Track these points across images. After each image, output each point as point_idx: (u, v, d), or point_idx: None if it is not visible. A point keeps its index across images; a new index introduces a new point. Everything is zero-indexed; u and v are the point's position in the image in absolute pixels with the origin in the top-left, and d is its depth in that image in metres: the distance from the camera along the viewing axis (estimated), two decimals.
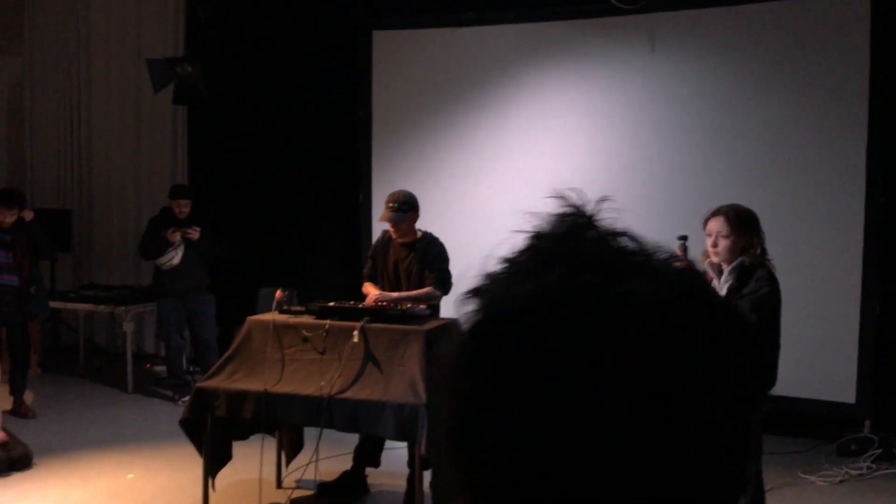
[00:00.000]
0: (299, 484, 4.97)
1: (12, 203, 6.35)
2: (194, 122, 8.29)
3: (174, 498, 4.78)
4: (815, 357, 5.76)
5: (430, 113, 7.13)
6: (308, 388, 4.06)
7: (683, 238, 3.63)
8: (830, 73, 5.90)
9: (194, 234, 6.85)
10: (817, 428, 5.85)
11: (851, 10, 5.86)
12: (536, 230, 0.56)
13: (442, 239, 4.80)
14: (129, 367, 7.35)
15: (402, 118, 7.24)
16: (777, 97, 6.06)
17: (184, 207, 6.93)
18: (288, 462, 5.00)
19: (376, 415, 3.92)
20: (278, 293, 4.60)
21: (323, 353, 4.17)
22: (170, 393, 7.13)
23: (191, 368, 7.31)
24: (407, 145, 7.24)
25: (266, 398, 4.09)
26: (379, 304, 4.44)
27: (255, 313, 7.90)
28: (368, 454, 4.81)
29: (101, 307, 7.60)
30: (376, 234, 7.28)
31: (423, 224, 4.83)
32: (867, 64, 5.76)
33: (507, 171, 6.83)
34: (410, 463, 4.64)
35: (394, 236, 4.74)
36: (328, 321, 4.24)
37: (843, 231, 5.85)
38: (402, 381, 3.96)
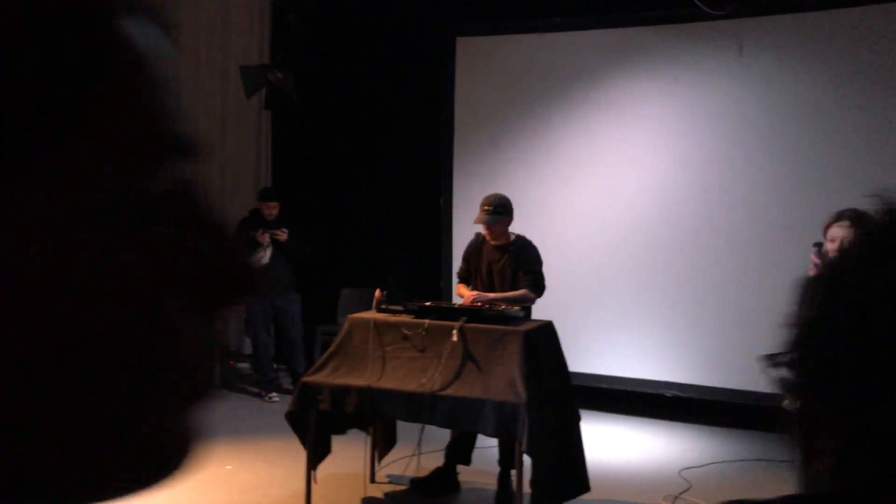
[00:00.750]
0: (391, 479, 5.10)
1: None
2: (278, 124, 8.53)
3: (274, 489, 4.95)
4: None
5: (513, 118, 7.22)
6: (409, 385, 4.18)
7: (818, 245, 3.63)
8: None
9: (282, 235, 7.06)
10: None
11: None
12: (874, 226, 0.63)
13: None
14: (216, 364, 7.59)
15: (484, 123, 7.35)
16: (869, 103, 5.99)
17: (272, 209, 7.14)
18: (381, 458, 5.13)
19: (477, 412, 4.01)
20: (377, 293, 4.73)
21: (422, 351, 4.28)
22: (255, 389, 7.34)
23: (275, 366, 7.51)
24: (488, 149, 7.34)
25: (369, 393, 4.22)
26: (475, 304, 4.55)
27: (336, 313, 8.11)
28: (460, 452, 4.91)
29: None
30: (457, 236, 7.40)
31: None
32: None
33: (591, 175, 6.88)
34: (501, 461, 4.74)
35: (488, 239, 4.83)
36: (427, 320, 4.35)
37: None
38: (502, 380, 4.05)
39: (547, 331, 4.49)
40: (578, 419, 4.51)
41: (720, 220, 6.39)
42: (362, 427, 4.97)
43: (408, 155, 7.82)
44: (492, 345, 4.18)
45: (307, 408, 4.37)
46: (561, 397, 4.41)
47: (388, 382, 4.24)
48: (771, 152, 6.29)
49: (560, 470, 4.19)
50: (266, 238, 7.06)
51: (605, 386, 6.74)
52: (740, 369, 6.24)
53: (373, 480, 5.05)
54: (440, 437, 4.98)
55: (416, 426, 4.80)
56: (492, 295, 4.66)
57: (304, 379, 4.47)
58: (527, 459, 4.04)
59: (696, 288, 6.50)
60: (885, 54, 5.94)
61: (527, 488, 4.13)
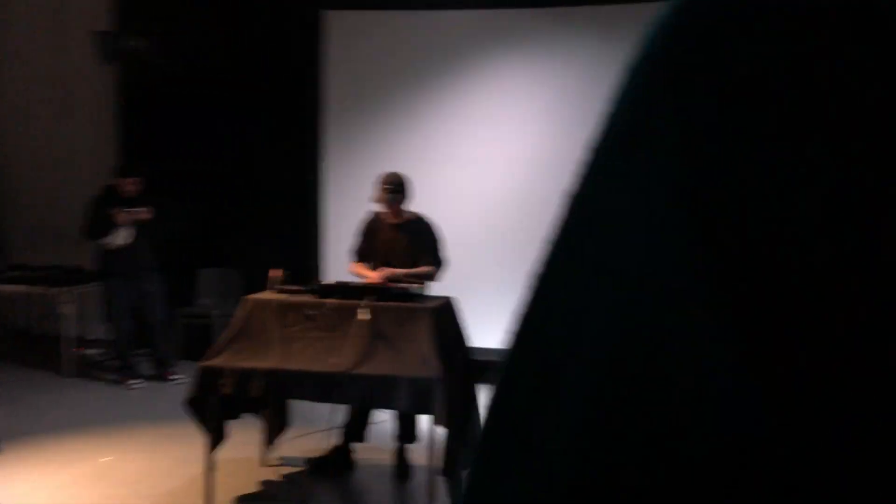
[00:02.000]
0: (285, 461, 5.01)
1: None
2: (128, 97, 7.99)
3: (164, 479, 4.73)
4: None
5: (385, 95, 7.19)
6: (319, 365, 4.11)
7: None
8: None
9: (146, 214, 6.64)
10: None
11: None
12: None
13: None
14: (66, 352, 7.10)
15: (356, 99, 7.28)
16: None
17: (130, 186, 6.71)
18: (271, 441, 5.02)
19: (390, 390, 4.02)
20: (273, 272, 4.61)
21: (328, 330, 4.23)
22: (113, 376, 6.93)
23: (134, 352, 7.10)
24: (360, 127, 7.28)
25: (275, 376, 4.12)
26: (387, 281, 4.55)
27: (196, 294, 7.78)
28: (354, 430, 4.91)
29: (34, 289, 7.29)
30: (331, 215, 7.31)
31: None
32: None
33: (462, 156, 7.00)
34: (399, 437, 4.80)
35: (387, 217, 4.83)
36: (331, 300, 4.30)
37: None
38: (414, 356, 4.08)
39: (450, 307, 4.57)
40: (478, 390, 4.63)
41: None
42: (256, 411, 4.85)
43: (274, 131, 7.59)
44: (400, 322, 4.20)
45: (207, 393, 4.20)
46: (464, 371, 4.51)
47: (296, 364, 4.15)
48: None
49: (465, 440, 4.29)
50: (125, 217, 6.63)
51: (495, 359, 6.92)
52: None
53: (264, 464, 4.95)
54: (323, 416, 4.97)
55: (307, 408, 4.79)
56: (402, 272, 4.67)
57: (203, 363, 4.29)
58: (428, 432, 4.11)
59: None
60: None
61: (424, 461, 4.20)
